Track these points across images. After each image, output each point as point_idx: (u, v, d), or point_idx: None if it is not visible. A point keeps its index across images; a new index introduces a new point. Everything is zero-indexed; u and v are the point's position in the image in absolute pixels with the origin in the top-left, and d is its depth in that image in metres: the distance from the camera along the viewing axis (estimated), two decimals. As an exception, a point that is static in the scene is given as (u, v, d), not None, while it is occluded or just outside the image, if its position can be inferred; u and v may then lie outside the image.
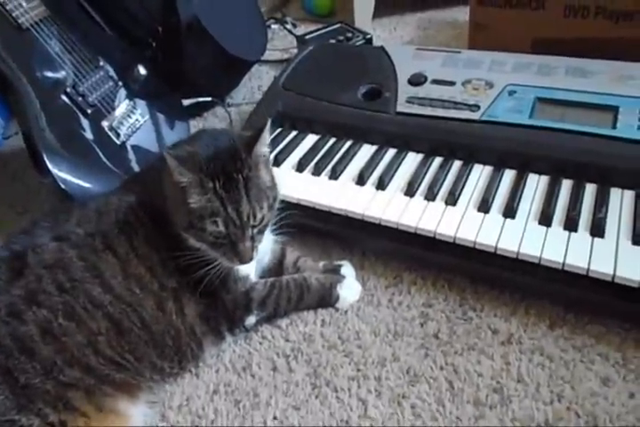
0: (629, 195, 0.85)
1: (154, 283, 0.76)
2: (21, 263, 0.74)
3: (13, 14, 1.00)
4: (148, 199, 0.79)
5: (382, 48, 1.18)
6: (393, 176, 0.96)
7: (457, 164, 0.96)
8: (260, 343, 0.85)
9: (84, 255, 0.75)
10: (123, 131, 1.13)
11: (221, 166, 0.71)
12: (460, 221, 0.86)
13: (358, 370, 0.80)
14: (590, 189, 0.87)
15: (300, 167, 1.01)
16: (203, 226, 0.71)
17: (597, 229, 0.80)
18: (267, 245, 0.87)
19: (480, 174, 0.94)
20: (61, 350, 0.70)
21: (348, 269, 0.92)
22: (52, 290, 0.72)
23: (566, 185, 0.89)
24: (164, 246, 0.77)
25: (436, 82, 1.06)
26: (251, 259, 0.75)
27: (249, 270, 0.83)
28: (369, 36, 1.48)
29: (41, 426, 0.67)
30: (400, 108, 1.03)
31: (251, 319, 0.84)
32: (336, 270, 0.91)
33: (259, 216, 0.73)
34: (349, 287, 0.89)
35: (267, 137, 0.75)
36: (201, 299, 0.79)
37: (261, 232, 0.76)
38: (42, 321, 0.70)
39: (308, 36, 1.53)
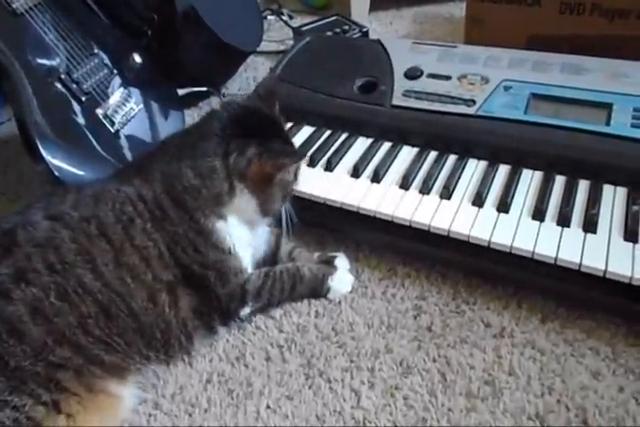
0: (622, 191, 0.86)
1: (147, 274, 0.75)
2: (10, 241, 0.73)
3: (8, -1, 0.99)
4: (149, 193, 0.78)
5: (379, 41, 1.17)
6: (388, 169, 0.96)
7: (452, 158, 0.97)
8: (254, 334, 0.85)
9: (77, 238, 0.74)
10: (117, 119, 1.12)
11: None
12: (454, 215, 0.86)
13: (351, 361, 0.80)
14: (583, 186, 0.88)
15: (296, 159, 1.01)
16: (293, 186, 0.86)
17: (590, 225, 0.81)
18: (263, 236, 0.88)
19: (475, 169, 0.94)
20: (52, 330, 0.69)
21: (342, 260, 0.92)
22: (42, 269, 0.71)
23: (560, 181, 0.89)
24: (163, 240, 0.77)
25: (432, 76, 1.06)
26: None
27: (248, 263, 0.84)
28: (365, 30, 1.48)
29: (34, 406, 0.66)
30: (396, 102, 1.03)
31: (245, 310, 0.84)
32: (330, 262, 0.91)
33: None
34: (341, 279, 0.90)
35: None
36: (196, 292, 0.79)
37: None
38: (32, 300, 0.69)
39: (304, 28, 1.52)
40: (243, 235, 0.83)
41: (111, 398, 0.73)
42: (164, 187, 0.79)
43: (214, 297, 0.80)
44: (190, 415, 0.77)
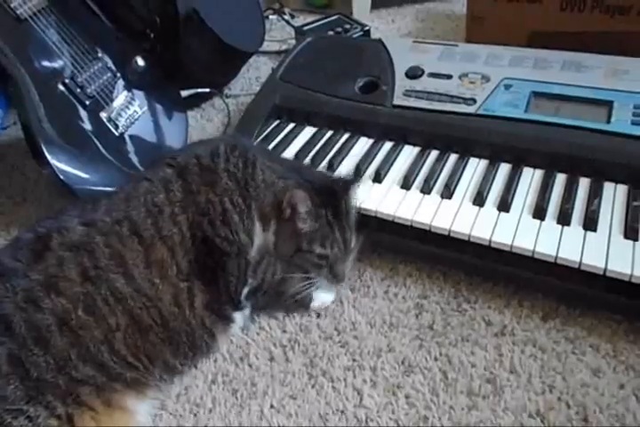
0: (622, 189, 0.86)
1: (173, 268, 0.75)
2: (43, 245, 0.73)
3: (12, 5, 0.99)
4: (198, 164, 0.80)
5: (380, 41, 1.18)
6: (389, 169, 0.97)
7: (453, 157, 0.97)
8: (258, 334, 0.86)
9: (111, 243, 0.74)
10: (121, 122, 1.13)
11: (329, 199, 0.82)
12: (455, 215, 0.87)
13: (354, 360, 0.81)
14: (584, 184, 0.88)
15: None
16: (311, 249, 0.80)
17: (590, 223, 0.81)
18: None
19: (475, 168, 0.94)
20: (77, 344, 0.69)
21: None
22: (75, 276, 0.71)
23: (560, 179, 0.89)
24: (187, 219, 0.77)
25: (432, 75, 1.07)
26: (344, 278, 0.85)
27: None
28: (367, 28, 1.49)
29: (47, 418, 0.67)
30: (397, 102, 1.03)
31: (245, 290, 0.82)
32: None
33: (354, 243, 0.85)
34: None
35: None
36: (206, 283, 0.78)
37: None
38: (60, 311, 0.69)
39: (306, 28, 1.53)
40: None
41: (126, 415, 0.73)
42: (228, 162, 0.80)
43: (222, 280, 0.79)
44: (195, 415, 0.78)
